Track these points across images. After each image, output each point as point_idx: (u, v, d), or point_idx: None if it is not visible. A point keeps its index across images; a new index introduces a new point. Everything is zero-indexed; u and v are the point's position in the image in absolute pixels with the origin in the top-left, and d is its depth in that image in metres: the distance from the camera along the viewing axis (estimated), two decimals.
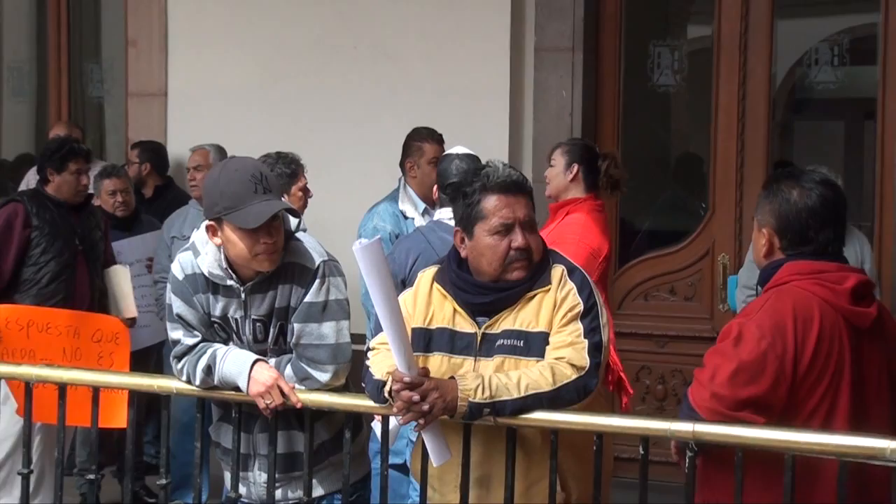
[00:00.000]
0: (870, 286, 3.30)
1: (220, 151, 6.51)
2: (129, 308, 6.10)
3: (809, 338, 3.15)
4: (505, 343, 3.47)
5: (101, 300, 6.03)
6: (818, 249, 3.28)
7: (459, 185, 3.63)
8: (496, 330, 3.49)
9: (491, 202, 3.49)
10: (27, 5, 9.10)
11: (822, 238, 3.28)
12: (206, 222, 3.70)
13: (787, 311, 3.17)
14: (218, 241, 3.68)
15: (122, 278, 6.12)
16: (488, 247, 3.48)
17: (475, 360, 3.49)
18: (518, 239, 3.47)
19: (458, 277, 3.55)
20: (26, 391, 4.13)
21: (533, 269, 3.50)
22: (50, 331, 5.40)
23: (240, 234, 3.60)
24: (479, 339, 3.50)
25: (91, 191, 6.24)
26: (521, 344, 3.45)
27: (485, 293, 3.51)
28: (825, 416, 3.19)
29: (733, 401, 3.15)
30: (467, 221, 3.53)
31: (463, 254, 3.56)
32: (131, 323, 5.95)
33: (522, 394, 3.32)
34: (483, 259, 3.50)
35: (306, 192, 5.26)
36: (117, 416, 5.06)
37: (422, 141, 5.77)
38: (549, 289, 3.47)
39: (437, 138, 5.80)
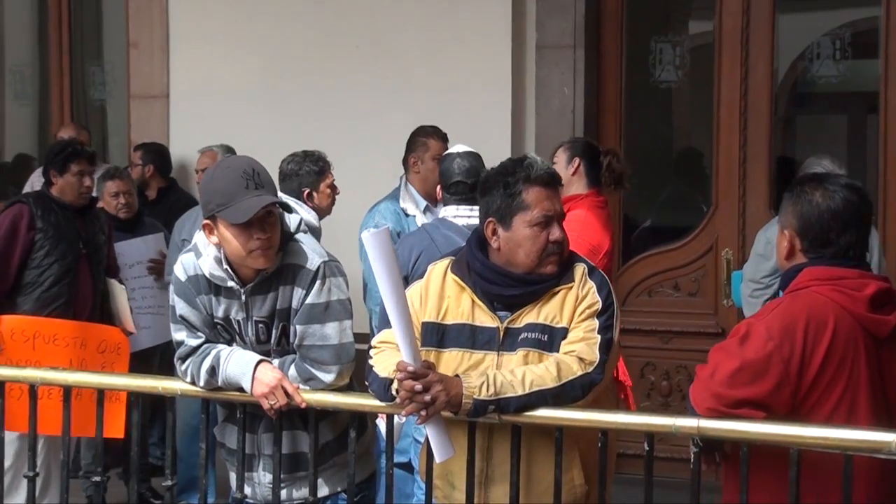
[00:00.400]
0: (891, 294, 3.24)
1: (229, 151, 6.50)
2: (128, 324, 6.04)
3: (820, 343, 3.12)
4: (529, 336, 3.48)
5: (103, 304, 6.01)
6: (839, 252, 3.24)
7: (501, 174, 3.59)
8: (519, 324, 3.50)
9: (533, 194, 3.52)
10: (29, 8, 9.10)
11: (844, 241, 3.24)
12: (203, 221, 3.70)
13: (800, 314, 3.14)
14: (215, 239, 3.68)
15: (118, 294, 6.07)
16: (527, 238, 3.51)
17: (498, 355, 3.49)
18: (556, 232, 3.51)
19: (486, 267, 3.55)
20: (31, 395, 4.13)
21: (562, 265, 3.53)
22: (57, 342, 5.39)
23: (233, 230, 3.60)
24: (501, 333, 3.50)
25: (95, 193, 6.24)
26: (546, 338, 3.47)
27: (514, 285, 3.52)
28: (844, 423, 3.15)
29: (731, 400, 3.13)
30: (506, 212, 3.53)
31: (495, 245, 3.56)
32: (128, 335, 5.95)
33: (527, 391, 3.33)
34: (521, 250, 3.52)
35: (334, 188, 5.38)
36: (114, 426, 5.07)
37: (427, 137, 5.79)
38: (573, 286, 3.51)
39: (441, 136, 5.81)
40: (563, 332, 3.47)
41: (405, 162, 5.83)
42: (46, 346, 5.36)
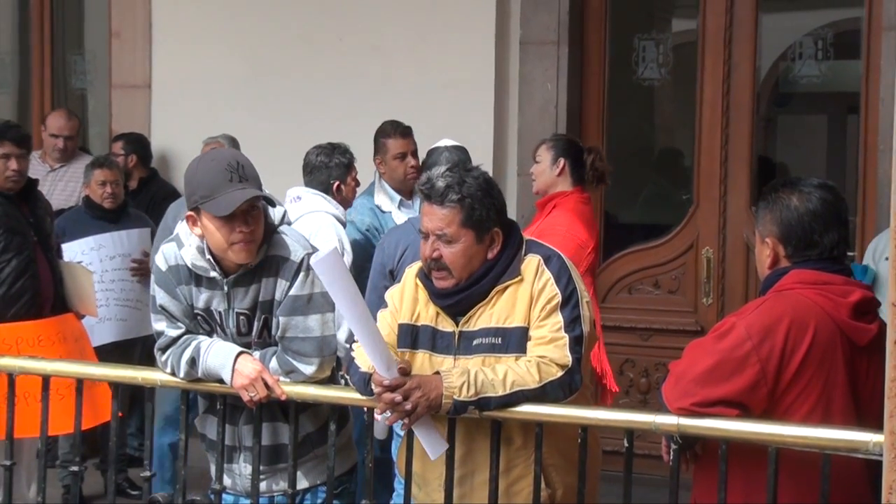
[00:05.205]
0: (874, 303, 3.24)
1: (235, 143, 6.44)
2: (91, 310, 5.68)
3: (800, 345, 3.11)
4: (483, 342, 3.46)
5: (57, 288, 5.58)
6: (824, 253, 3.23)
7: None
8: (473, 327, 3.48)
9: (422, 207, 3.55)
10: None
11: (828, 241, 3.23)
12: (187, 212, 3.70)
13: (783, 315, 3.13)
14: (198, 231, 3.68)
15: (82, 278, 5.65)
16: (420, 250, 3.55)
17: (455, 359, 3.48)
18: (426, 249, 3.49)
19: (427, 278, 3.57)
20: (9, 383, 4.12)
21: (500, 266, 3.48)
22: (42, 343, 5.18)
23: (216, 223, 3.60)
24: (456, 337, 3.50)
25: (36, 177, 5.88)
26: (500, 341, 3.45)
27: (447, 295, 3.52)
28: None
29: (704, 399, 3.12)
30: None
31: None
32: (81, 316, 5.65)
33: (508, 391, 3.32)
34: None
35: (357, 181, 5.48)
36: (102, 412, 4.98)
37: (386, 137, 5.81)
38: (522, 279, 3.46)
39: (401, 132, 5.81)
40: (519, 332, 3.43)
41: (375, 161, 5.85)
42: (33, 350, 5.08)
